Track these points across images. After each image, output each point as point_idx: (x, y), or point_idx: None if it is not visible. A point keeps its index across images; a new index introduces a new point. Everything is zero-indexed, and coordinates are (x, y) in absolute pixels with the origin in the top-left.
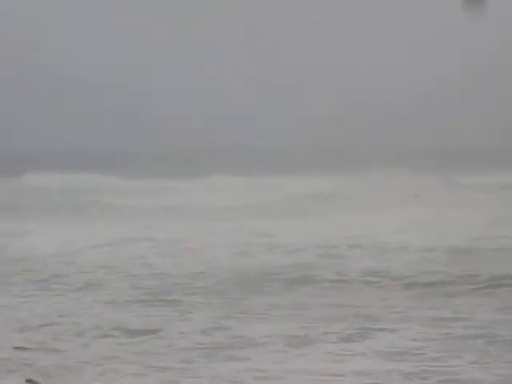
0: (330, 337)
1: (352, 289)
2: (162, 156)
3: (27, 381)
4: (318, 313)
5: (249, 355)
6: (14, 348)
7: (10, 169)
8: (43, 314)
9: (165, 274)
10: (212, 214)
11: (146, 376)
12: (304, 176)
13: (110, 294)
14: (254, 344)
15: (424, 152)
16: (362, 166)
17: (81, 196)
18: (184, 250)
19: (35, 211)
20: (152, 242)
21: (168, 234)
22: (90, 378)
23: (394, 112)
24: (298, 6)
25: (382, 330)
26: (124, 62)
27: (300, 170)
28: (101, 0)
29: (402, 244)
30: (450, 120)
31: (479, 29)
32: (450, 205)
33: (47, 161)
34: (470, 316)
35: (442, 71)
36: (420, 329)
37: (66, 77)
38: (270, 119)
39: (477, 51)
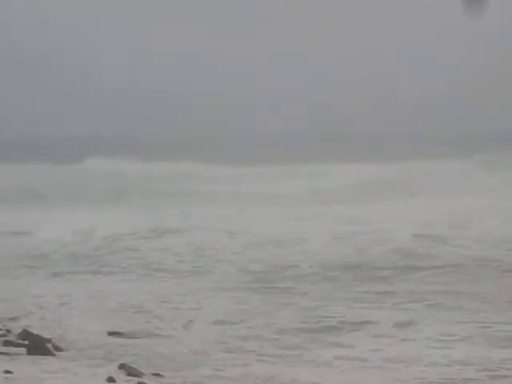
0: (438, 323)
1: (465, 274)
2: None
3: (120, 366)
4: (428, 299)
5: (356, 341)
6: (108, 333)
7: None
8: (145, 298)
9: (270, 262)
10: (288, 201)
11: (251, 365)
12: (345, 164)
13: (217, 281)
14: (360, 329)
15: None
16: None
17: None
18: (286, 238)
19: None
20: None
21: (268, 222)
22: (194, 364)
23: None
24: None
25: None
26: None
27: (336, 158)
28: None
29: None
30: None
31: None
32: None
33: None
34: None
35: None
36: None
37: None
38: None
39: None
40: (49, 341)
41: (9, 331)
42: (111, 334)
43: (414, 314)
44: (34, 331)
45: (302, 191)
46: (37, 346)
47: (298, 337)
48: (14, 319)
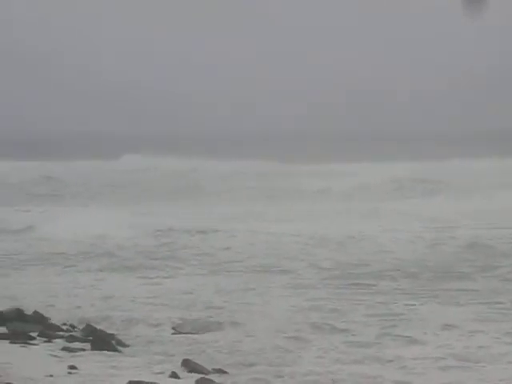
0: None
1: None
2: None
3: (183, 362)
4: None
5: (438, 339)
6: (172, 329)
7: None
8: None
9: (342, 259)
10: (341, 198)
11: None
12: (369, 163)
13: (294, 278)
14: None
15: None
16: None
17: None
18: (353, 234)
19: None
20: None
21: (329, 218)
22: (259, 361)
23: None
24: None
25: None
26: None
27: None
28: None
29: None
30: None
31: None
32: None
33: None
34: None
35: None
36: None
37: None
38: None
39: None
40: (113, 336)
41: (73, 327)
42: (176, 329)
43: (497, 312)
44: (98, 326)
45: (351, 188)
46: (101, 341)
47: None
48: (80, 315)
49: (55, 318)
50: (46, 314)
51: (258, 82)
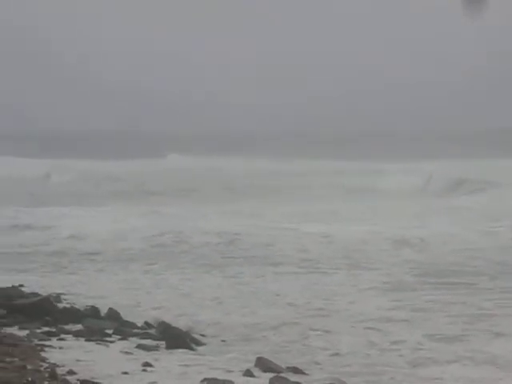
0: None
1: None
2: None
3: (258, 360)
4: None
5: None
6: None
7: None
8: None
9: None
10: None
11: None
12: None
13: (383, 275)
14: None
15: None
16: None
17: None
18: (433, 233)
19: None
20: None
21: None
22: (339, 364)
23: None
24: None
25: None
26: None
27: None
28: None
29: None
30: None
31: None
32: None
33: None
34: None
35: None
36: None
37: None
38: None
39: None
40: (188, 334)
41: (148, 324)
42: (249, 327)
43: None
44: (173, 324)
45: (413, 187)
46: (175, 339)
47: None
48: (160, 314)
49: (136, 316)
50: (128, 312)
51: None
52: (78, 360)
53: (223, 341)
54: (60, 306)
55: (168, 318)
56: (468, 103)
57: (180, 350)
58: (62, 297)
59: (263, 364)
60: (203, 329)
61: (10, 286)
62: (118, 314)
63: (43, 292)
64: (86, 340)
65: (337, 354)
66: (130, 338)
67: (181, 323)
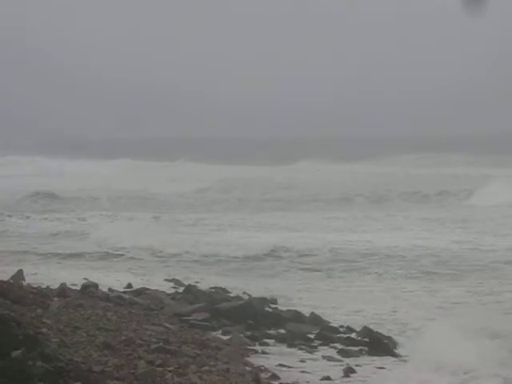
0: None
1: None
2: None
3: None
4: None
5: None
6: None
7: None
8: None
9: None
10: None
11: None
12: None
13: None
14: None
15: None
16: None
17: None
18: None
19: None
20: None
21: None
22: None
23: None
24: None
25: None
26: None
27: None
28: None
29: None
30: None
31: None
32: None
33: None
34: None
35: None
36: None
37: None
38: None
39: None
40: (390, 339)
41: (351, 329)
42: None
43: None
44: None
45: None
46: (378, 344)
47: None
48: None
49: (337, 320)
50: (328, 316)
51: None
52: (280, 365)
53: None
54: (263, 309)
55: (369, 323)
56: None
57: (382, 356)
58: (265, 301)
59: None
60: (407, 334)
61: (213, 289)
62: (320, 318)
63: (245, 296)
64: (288, 345)
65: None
66: (332, 344)
67: (384, 329)
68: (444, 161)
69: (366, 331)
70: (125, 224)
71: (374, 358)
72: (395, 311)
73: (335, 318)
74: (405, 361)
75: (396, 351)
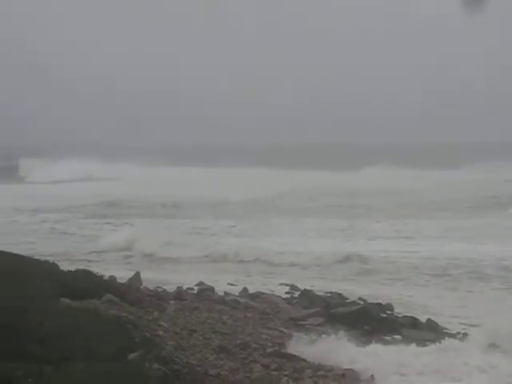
0: None
1: None
2: None
3: None
4: None
5: None
6: None
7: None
8: None
9: None
10: None
11: None
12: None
13: None
14: None
15: None
16: None
17: None
18: None
19: None
20: None
21: None
22: None
23: None
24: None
25: None
26: None
27: None
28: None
29: None
30: None
31: None
32: None
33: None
34: None
35: None
36: None
37: None
38: None
39: None
40: None
41: (466, 335)
42: None
43: None
44: None
45: None
46: None
47: None
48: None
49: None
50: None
51: None
52: (396, 372)
53: None
54: (379, 315)
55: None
56: None
57: None
58: (380, 307)
59: None
60: None
61: (329, 294)
62: (437, 324)
63: (360, 301)
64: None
65: None
66: None
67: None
68: None
69: None
70: None
71: None
72: None
73: (453, 327)
74: None
75: None
